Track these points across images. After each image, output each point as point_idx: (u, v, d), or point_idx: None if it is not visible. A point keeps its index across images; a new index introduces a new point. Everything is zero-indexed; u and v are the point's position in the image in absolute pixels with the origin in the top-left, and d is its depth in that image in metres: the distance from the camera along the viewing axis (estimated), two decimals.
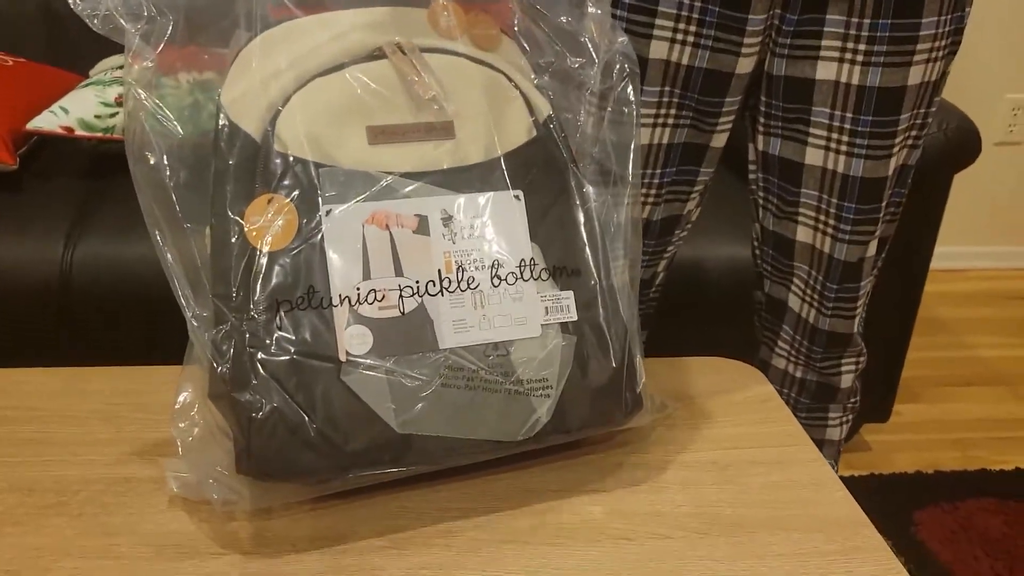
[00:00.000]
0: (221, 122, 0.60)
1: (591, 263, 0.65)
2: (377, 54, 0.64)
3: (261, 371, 0.56)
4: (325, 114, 0.61)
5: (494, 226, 0.63)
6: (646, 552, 0.59)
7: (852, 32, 0.80)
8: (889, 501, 1.52)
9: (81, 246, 1.31)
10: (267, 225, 0.58)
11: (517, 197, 0.64)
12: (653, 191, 0.91)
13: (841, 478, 0.67)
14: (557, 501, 0.63)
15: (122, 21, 0.58)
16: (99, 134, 1.46)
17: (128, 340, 1.31)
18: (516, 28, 0.68)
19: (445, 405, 0.59)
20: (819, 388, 0.99)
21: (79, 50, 1.67)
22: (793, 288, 0.95)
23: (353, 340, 0.58)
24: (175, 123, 0.60)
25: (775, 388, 0.79)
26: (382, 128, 0.62)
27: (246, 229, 0.58)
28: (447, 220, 0.62)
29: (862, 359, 0.99)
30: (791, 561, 0.59)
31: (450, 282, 0.61)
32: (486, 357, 0.60)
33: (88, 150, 1.50)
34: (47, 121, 1.45)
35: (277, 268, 0.58)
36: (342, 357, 0.57)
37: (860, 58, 0.81)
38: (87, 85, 1.52)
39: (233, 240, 0.58)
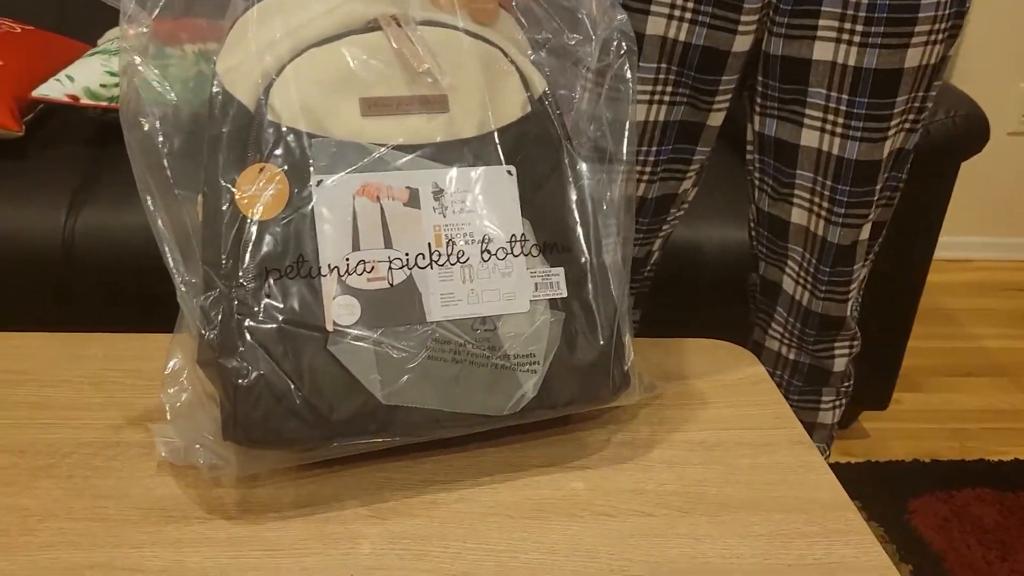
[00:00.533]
0: (215, 90, 0.60)
1: (582, 240, 0.65)
2: (373, 26, 0.63)
3: (248, 338, 0.56)
4: (319, 85, 0.61)
5: (485, 201, 0.63)
6: (627, 528, 0.59)
7: (850, 12, 0.79)
8: (884, 488, 1.52)
9: (84, 214, 1.32)
10: (258, 194, 0.59)
11: (510, 172, 0.64)
12: (648, 169, 0.90)
13: (837, 464, 0.68)
14: (541, 476, 0.63)
15: None
16: (104, 103, 1.46)
17: (128, 308, 1.32)
18: (514, 3, 0.68)
19: (431, 378, 0.59)
20: (812, 371, 0.99)
21: (87, 19, 1.67)
22: (787, 270, 0.95)
23: (341, 310, 0.58)
24: (170, 90, 0.60)
25: (768, 370, 0.79)
26: (375, 100, 0.62)
27: (237, 197, 0.58)
28: (438, 193, 0.62)
29: (855, 343, 0.99)
30: (772, 541, 0.59)
31: (440, 255, 0.61)
32: (474, 331, 0.60)
33: (93, 119, 1.50)
34: (53, 89, 1.45)
35: (267, 237, 0.58)
36: (329, 327, 0.58)
37: (857, 39, 0.80)
38: (94, 54, 1.52)
39: (224, 208, 0.58)
